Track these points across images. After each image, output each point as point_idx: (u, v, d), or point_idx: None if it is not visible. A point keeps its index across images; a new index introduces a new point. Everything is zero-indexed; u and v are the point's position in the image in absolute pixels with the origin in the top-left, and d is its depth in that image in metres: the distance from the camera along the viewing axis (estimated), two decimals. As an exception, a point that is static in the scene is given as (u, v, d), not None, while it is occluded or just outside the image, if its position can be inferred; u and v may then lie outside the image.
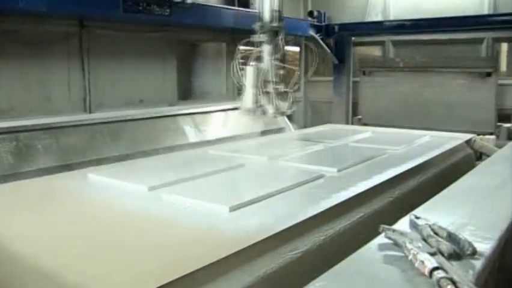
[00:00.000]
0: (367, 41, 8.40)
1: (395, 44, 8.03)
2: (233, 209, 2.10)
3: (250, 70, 3.97)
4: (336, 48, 7.94)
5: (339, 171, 2.87)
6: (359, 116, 7.90)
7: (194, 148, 4.25)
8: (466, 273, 1.38)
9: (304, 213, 2.05)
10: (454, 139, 4.14)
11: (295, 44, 8.27)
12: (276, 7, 4.02)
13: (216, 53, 6.76)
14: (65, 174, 2.96)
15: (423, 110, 7.29)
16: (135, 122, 4.34)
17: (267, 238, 1.78)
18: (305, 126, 7.03)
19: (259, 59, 4.01)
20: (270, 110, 3.99)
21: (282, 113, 4.12)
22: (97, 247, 1.75)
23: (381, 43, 8.18)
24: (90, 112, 4.97)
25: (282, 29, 4.04)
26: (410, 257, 1.47)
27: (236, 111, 5.31)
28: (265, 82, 3.97)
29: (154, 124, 4.52)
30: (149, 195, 2.39)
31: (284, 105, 4.05)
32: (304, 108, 8.60)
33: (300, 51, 8.45)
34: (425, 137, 4.25)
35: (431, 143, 4.00)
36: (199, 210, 2.12)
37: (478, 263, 1.47)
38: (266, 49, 3.97)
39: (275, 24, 4.04)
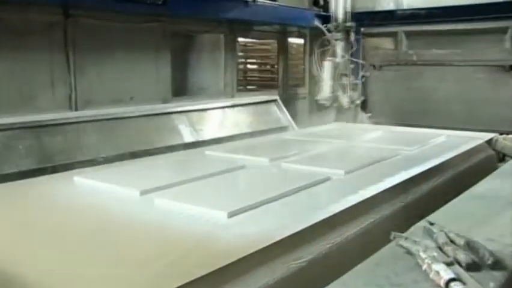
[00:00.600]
0: (377, 32, 8.38)
1: (409, 35, 8.01)
2: (232, 214, 2.10)
3: (327, 64, 5.15)
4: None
5: (346, 173, 2.87)
6: (369, 114, 7.90)
7: (190, 149, 4.26)
8: (486, 286, 1.38)
9: (309, 219, 2.05)
10: (473, 139, 4.14)
11: (299, 36, 8.28)
12: (348, 8, 5.21)
13: (214, 45, 6.76)
14: (48, 177, 2.96)
15: (439, 108, 7.28)
16: (125, 121, 4.35)
17: (268, 246, 1.78)
18: (310, 125, 7.03)
19: (334, 54, 5.12)
20: (345, 99, 5.20)
21: (353, 102, 5.30)
22: (83, 256, 1.76)
23: (393, 34, 8.17)
24: (76, 110, 4.97)
25: (353, 28, 5.20)
26: (424, 266, 1.47)
27: (235, 109, 5.34)
28: (340, 75, 5.14)
29: (147, 123, 4.53)
30: (141, 199, 2.39)
31: (355, 95, 5.28)
32: (309, 105, 8.60)
33: (305, 43, 8.45)
34: (442, 136, 4.25)
35: (448, 143, 4.00)
36: (195, 216, 2.12)
37: (500, 275, 1.47)
38: (340, 46, 5.12)
39: (348, 24, 5.21)
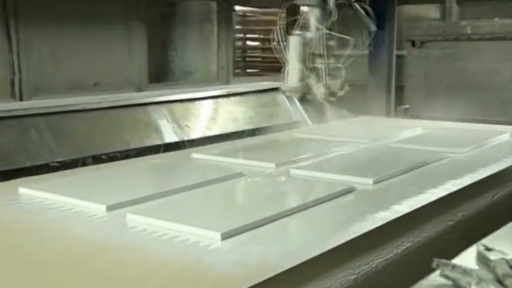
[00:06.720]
0: (419, -2, 8.40)
1: (461, 1, 8.02)
2: (226, 236, 2.12)
3: (294, 40, 4.45)
4: (373, 8, 7.94)
5: (375, 183, 2.89)
6: (406, 106, 7.90)
7: (172, 151, 4.27)
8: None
9: (327, 242, 2.07)
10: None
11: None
12: None
13: (203, 16, 6.80)
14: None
15: (501, 97, 7.26)
16: (88, 114, 4.36)
17: (273, 277, 1.80)
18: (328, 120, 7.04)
19: (305, 26, 4.50)
20: (320, 90, 4.56)
21: (332, 94, 4.69)
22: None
23: (440, 0, 8.18)
24: (21, 99, 5.00)
25: None
26: (477, 304, 1.49)
27: (231, 99, 5.35)
28: (313, 55, 4.47)
29: (115, 117, 4.54)
30: (108, 217, 2.41)
31: (335, 85, 4.65)
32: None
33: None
34: (504, 134, 4.25)
35: (513, 144, 4.01)
36: (179, 237, 2.14)
37: None
38: (314, 14, 4.44)
39: None
